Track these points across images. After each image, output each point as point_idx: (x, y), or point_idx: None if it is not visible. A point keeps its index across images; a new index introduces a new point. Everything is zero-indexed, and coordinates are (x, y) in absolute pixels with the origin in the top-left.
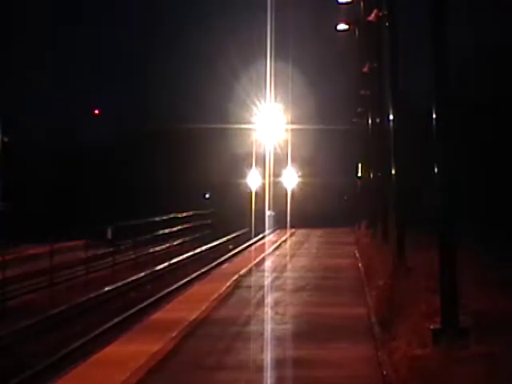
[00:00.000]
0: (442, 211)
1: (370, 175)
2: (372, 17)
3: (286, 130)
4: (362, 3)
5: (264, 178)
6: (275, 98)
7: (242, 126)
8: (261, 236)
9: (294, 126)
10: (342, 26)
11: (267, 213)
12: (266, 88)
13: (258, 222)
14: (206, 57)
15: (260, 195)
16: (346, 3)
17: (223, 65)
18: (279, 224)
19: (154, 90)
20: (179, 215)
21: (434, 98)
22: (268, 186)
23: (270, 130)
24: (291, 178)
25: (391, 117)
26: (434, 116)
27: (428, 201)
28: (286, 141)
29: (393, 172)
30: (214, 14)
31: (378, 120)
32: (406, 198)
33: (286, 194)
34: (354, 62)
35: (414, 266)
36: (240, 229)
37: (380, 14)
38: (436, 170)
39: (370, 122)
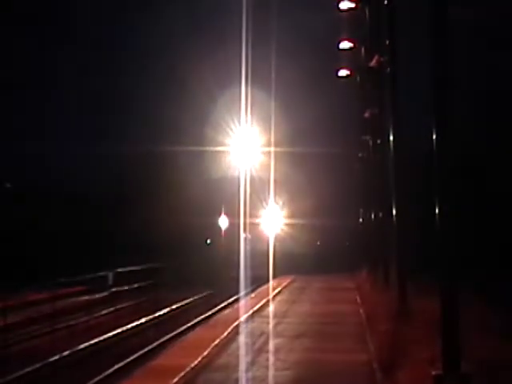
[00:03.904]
0: (443, 257)
1: (371, 217)
2: (373, 63)
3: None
4: (362, 49)
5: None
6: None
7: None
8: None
9: (288, 149)
10: (342, 72)
11: (242, 235)
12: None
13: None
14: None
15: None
16: (347, 49)
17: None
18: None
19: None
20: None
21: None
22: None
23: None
24: (276, 219)
25: (392, 158)
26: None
27: (430, 245)
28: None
29: (393, 212)
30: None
31: (378, 160)
32: (407, 240)
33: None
34: (352, 106)
35: (416, 311)
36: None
37: (381, 59)
38: (437, 213)
39: (372, 158)
